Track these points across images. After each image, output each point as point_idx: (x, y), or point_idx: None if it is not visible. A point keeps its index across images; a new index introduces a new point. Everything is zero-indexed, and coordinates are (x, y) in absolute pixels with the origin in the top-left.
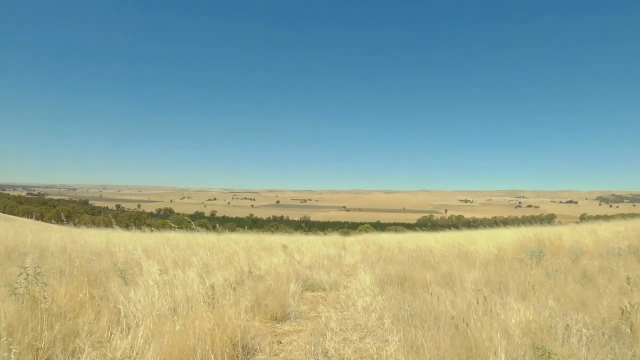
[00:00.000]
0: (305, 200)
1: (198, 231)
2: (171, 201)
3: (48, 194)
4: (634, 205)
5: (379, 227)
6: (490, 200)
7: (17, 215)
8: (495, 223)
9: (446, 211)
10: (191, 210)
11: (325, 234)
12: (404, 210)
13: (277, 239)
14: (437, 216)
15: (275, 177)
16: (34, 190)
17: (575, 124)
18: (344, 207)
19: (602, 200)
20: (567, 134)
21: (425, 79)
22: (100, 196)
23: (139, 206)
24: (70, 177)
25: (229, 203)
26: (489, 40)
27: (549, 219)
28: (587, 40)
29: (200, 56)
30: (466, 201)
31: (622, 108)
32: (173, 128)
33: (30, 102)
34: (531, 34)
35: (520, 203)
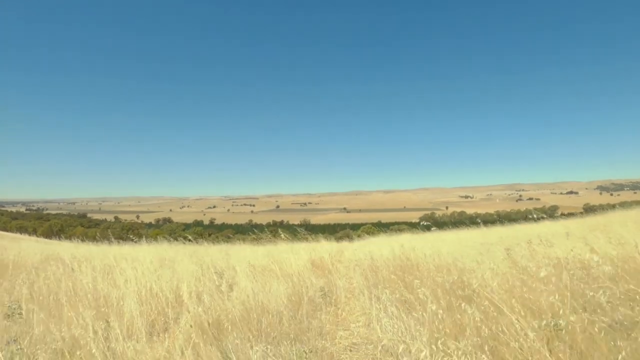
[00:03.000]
0: (304, 204)
1: (188, 242)
2: (170, 210)
3: (47, 209)
4: (635, 193)
5: (381, 226)
6: (490, 194)
7: (11, 230)
8: (498, 218)
9: (447, 207)
10: (190, 219)
11: (319, 240)
12: (405, 209)
13: (244, 256)
14: (438, 213)
15: (274, 182)
16: (33, 206)
17: (571, 113)
18: (344, 209)
19: (602, 189)
20: (564, 124)
21: (421, 74)
22: (99, 209)
23: (138, 217)
24: (70, 191)
25: (228, 210)
26: (478, 33)
27: (551, 211)
28: (581, 28)
29: (196, 54)
30: (466, 197)
31: (618, 95)
32: (170, 138)
33: (26, 115)
34: (524, 25)
35: (520, 196)
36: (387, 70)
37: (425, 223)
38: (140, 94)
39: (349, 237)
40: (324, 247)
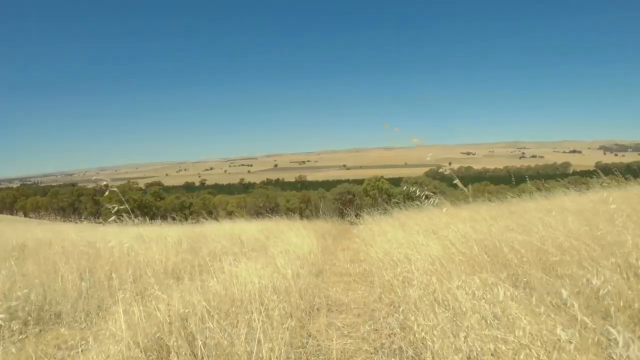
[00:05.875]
0: (303, 162)
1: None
2: (166, 175)
3: (43, 183)
4: None
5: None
6: (492, 151)
7: None
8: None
9: (450, 164)
10: (182, 182)
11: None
12: (406, 166)
13: None
14: (442, 169)
15: (273, 142)
16: (29, 181)
17: (574, 72)
18: (344, 166)
19: (605, 149)
20: (566, 82)
21: (419, 29)
22: (95, 178)
23: (106, 185)
24: (69, 163)
25: (225, 171)
26: None
27: (563, 168)
28: None
29: (194, 10)
30: (468, 153)
31: (623, 56)
32: (167, 101)
33: (21, 93)
34: None
35: (523, 153)
36: (387, 19)
37: None
38: (135, 53)
39: (354, 205)
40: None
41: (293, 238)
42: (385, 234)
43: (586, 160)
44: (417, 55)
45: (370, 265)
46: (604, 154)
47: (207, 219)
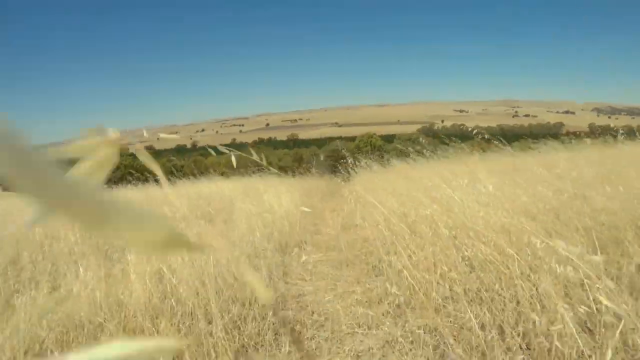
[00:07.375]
0: (295, 120)
1: None
2: (158, 139)
3: None
4: (633, 118)
5: (386, 140)
6: (485, 109)
7: None
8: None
9: (442, 121)
10: (174, 145)
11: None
12: (399, 122)
13: None
14: (435, 126)
15: (264, 101)
16: None
17: (570, 31)
18: (336, 123)
19: (599, 111)
20: (562, 41)
21: None
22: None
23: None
24: (56, 133)
25: (216, 132)
26: None
27: (556, 128)
28: None
29: None
30: (461, 111)
31: (618, 17)
32: (156, 64)
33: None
34: None
35: (516, 112)
36: None
37: None
38: (121, 16)
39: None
40: None
41: (271, 198)
42: (391, 185)
43: (579, 122)
44: (410, 9)
45: (371, 233)
46: (597, 116)
47: (180, 180)
